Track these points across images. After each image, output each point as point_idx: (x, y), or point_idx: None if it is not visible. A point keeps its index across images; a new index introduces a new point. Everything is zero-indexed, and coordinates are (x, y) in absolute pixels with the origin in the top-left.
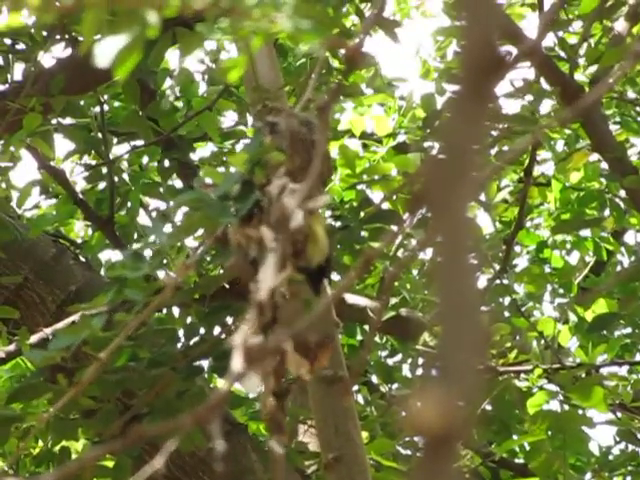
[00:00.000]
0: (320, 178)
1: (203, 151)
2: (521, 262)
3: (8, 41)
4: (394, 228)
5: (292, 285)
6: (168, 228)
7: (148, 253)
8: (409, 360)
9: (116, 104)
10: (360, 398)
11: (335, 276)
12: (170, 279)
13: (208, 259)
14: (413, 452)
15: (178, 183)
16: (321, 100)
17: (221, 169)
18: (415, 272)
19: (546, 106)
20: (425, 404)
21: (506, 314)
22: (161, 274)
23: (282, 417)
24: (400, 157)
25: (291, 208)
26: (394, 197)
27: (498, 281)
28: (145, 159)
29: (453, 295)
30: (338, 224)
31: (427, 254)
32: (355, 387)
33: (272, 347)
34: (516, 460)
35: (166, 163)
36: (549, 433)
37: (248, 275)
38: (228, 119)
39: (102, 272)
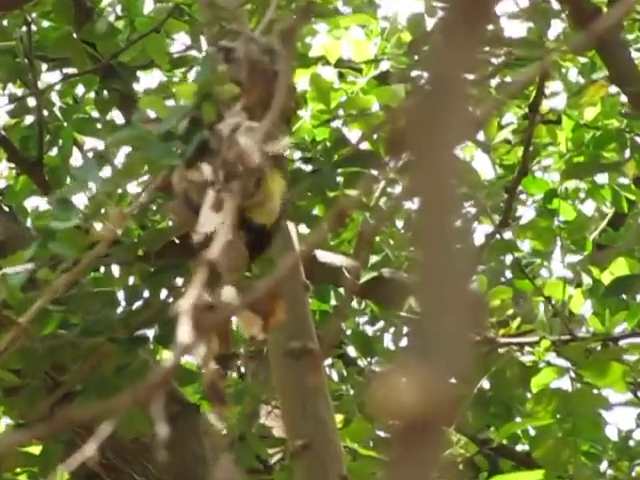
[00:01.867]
0: (283, 115)
1: (149, 81)
2: (526, 213)
3: None
4: (374, 173)
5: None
6: (105, 171)
7: (83, 201)
8: (392, 329)
9: (45, 24)
10: (334, 374)
11: (304, 229)
12: (106, 231)
13: (154, 209)
14: (389, 439)
15: (119, 118)
16: (287, 21)
17: (170, 102)
18: (399, 225)
19: (556, 29)
20: (404, 382)
21: (508, 275)
22: (97, 227)
23: (223, 385)
24: (382, 89)
25: (246, 149)
26: (375, 136)
27: (498, 236)
28: (80, 90)
29: (438, 254)
30: (308, 168)
31: (414, 204)
32: (328, 361)
33: (219, 304)
34: (518, 448)
35: (105, 95)
36: (557, 416)
37: (193, 226)
38: (178, 43)
39: (28, 223)
